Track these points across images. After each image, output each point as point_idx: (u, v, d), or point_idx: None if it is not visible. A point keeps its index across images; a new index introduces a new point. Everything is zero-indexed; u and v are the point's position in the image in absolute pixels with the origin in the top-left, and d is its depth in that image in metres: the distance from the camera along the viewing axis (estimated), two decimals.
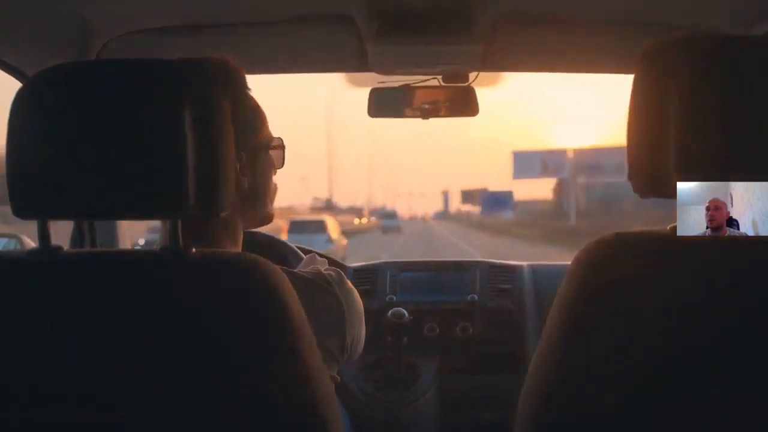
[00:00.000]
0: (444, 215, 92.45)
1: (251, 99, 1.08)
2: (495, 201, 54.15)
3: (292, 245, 1.55)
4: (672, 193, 0.80)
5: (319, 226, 17.84)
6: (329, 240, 16.96)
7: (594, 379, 0.81)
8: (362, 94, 1.77)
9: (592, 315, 0.82)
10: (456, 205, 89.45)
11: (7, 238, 1.92)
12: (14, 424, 0.81)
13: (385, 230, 42.33)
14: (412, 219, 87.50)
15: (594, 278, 0.83)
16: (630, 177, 0.86)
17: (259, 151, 1.08)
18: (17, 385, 0.81)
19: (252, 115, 1.08)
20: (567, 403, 0.82)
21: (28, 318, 0.81)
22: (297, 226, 18.04)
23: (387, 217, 51.31)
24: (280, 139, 1.13)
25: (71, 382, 0.80)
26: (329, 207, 70.07)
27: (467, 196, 72.68)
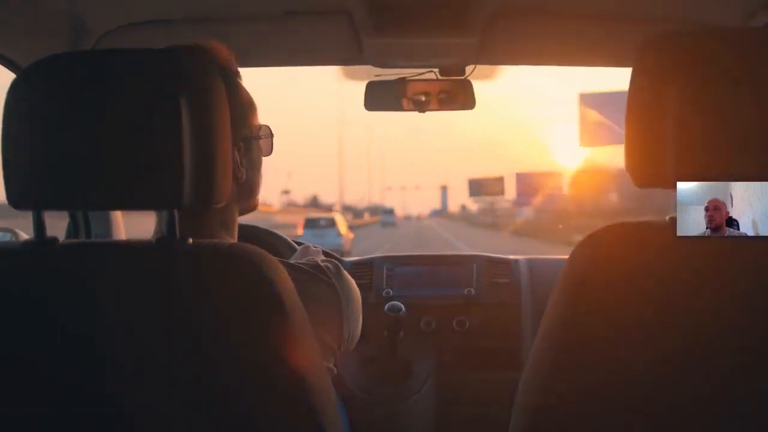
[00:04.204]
0: (441, 213, 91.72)
1: (243, 89, 1.07)
2: (533, 187, 35.90)
3: (287, 238, 1.55)
4: (670, 185, 0.80)
5: (330, 223, 20.43)
6: (339, 234, 19.08)
7: (592, 372, 0.81)
8: (359, 88, 1.77)
9: (590, 308, 0.81)
10: (460, 200, 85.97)
11: (2, 232, 1.91)
12: (13, 421, 0.80)
13: (384, 224, 48.29)
14: (406, 218, 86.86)
15: (593, 270, 0.83)
16: (628, 168, 0.86)
17: (252, 140, 1.08)
18: (14, 379, 0.80)
19: (246, 105, 1.07)
20: (564, 397, 0.82)
21: (24, 309, 0.81)
22: (311, 223, 20.31)
23: (385, 213, 59.08)
24: (267, 127, 1.13)
25: (69, 374, 0.80)
26: (314, 204, 70.12)
27: (476, 187, 47.16)
